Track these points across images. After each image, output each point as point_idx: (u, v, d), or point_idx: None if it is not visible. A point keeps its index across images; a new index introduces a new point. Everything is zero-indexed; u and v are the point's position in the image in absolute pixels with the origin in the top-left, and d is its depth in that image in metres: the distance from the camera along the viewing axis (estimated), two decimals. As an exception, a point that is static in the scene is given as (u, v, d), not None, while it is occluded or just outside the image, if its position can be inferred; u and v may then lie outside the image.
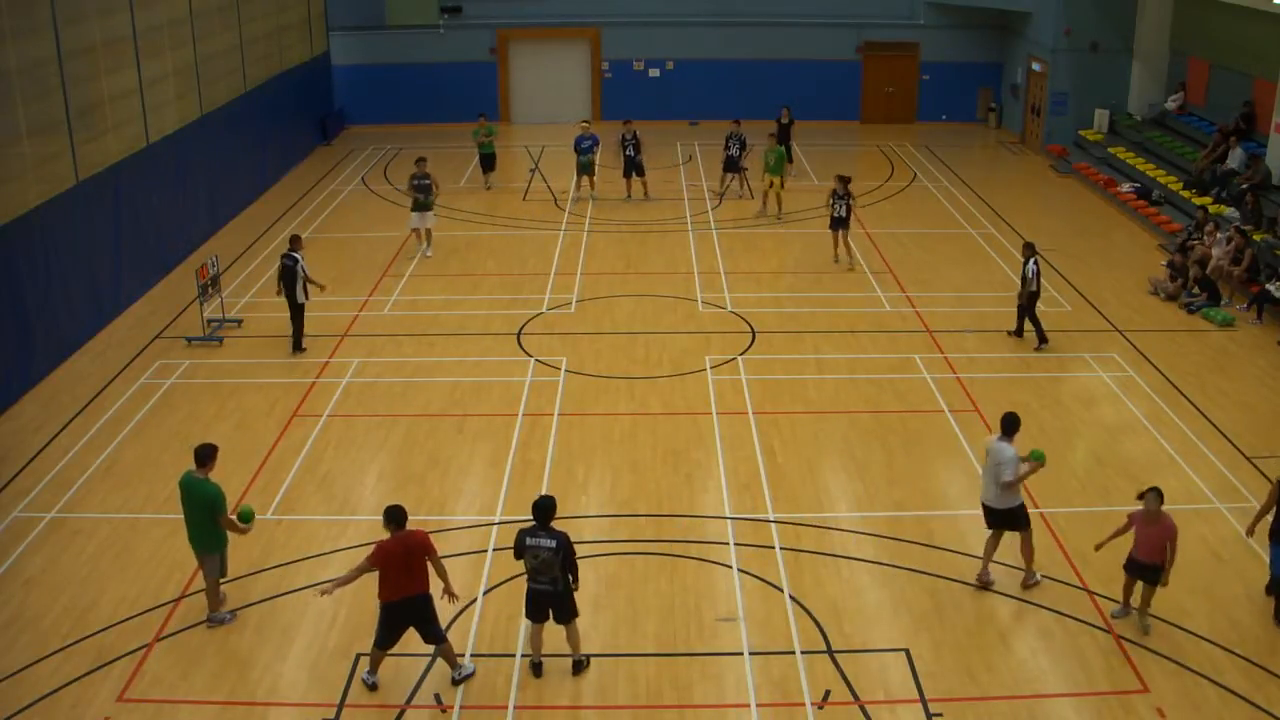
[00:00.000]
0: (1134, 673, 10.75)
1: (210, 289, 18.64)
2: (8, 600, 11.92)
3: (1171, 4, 28.96)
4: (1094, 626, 11.44)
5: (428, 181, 22.18)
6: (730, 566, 12.44)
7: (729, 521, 13.32)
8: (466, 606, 11.74)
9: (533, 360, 17.72)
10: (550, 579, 10.48)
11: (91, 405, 16.34)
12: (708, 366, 17.41)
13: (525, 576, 10.65)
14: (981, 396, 16.39)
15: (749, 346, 18.13)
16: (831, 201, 21.68)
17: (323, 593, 10.70)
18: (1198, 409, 16.13)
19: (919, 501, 13.80)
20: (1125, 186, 26.61)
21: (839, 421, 15.76)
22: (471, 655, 11.01)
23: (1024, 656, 11.00)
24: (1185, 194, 24.79)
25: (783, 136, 27.92)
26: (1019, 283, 18.39)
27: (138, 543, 12.94)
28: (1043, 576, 12.17)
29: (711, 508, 13.64)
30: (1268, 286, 19.49)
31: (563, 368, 17.44)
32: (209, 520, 11.18)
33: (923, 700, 10.41)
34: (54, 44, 17.67)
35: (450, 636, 11.16)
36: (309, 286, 17.84)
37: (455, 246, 23.34)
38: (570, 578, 10.57)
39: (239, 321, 19.26)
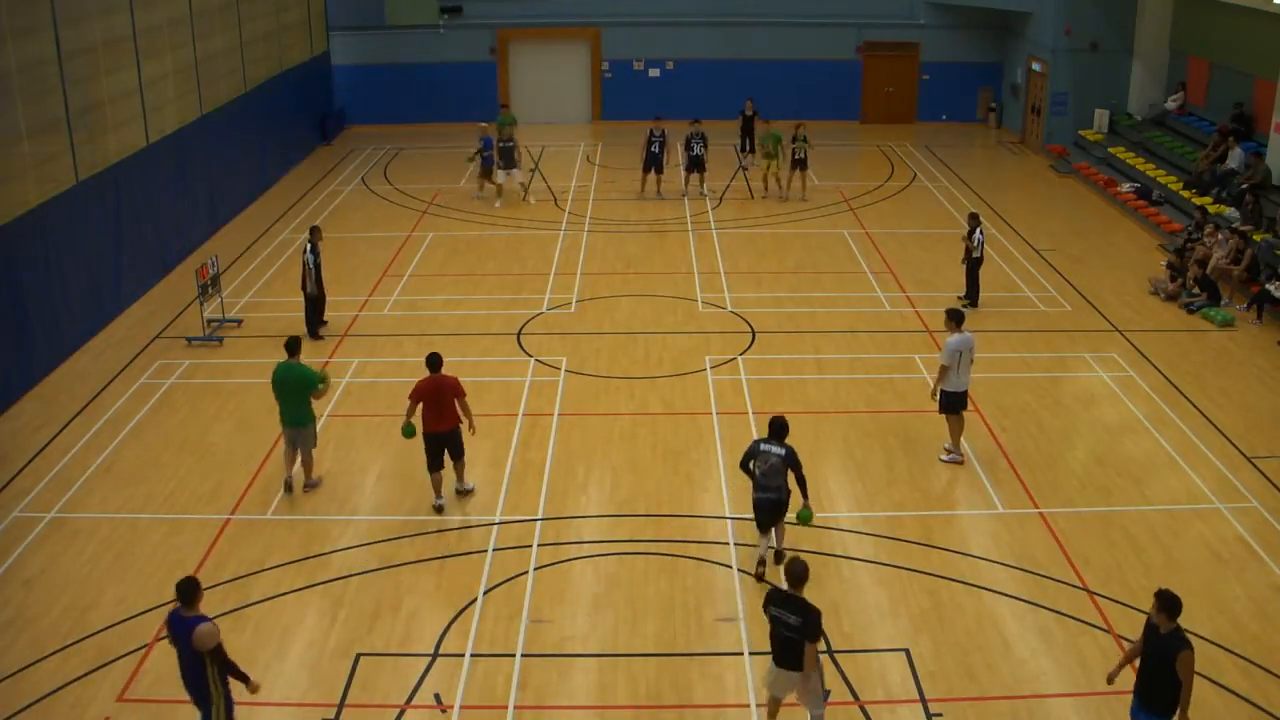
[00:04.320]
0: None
1: (210, 289, 18.65)
2: (8, 600, 11.93)
3: (1171, 4, 28.96)
4: (1094, 626, 11.44)
5: (510, 145, 25.63)
6: (730, 566, 12.44)
7: (729, 521, 13.32)
8: (467, 606, 11.74)
9: (533, 360, 17.72)
10: (775, 486, 11.94)
11: (91, 405, 16.35)
12: (708, 366, 17.41)
13: (751, 485, 12.11)
14: (981, 396, 16.37)
15: (749, 346, 18.13)
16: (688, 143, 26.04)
17: (406, 432, 13.27)
18: (1198, 409, 16.14)
19: (919, 501, 13.80)
20: (1125, 186, 26.61)
21: (839, 421, 15.77)
22: (471, 655, 11.02)
23: (1024, 656, 11.00)
24: (1185, 194, 24.78)
25: (746, 128, 27.96)
26: (963, 250, 19.71)
27: (138, 543, 12.94)
28: (1043, 575, 12.20)
29: (711, 508, 13.64)
30: (1268, 286, 19.49)
31: (563, 368, 17.44)
32: (304, 398, 13.49)
33: (923, 700, 10.41)
34: (54, 44, 17.67)
35: (451, 635, 11.22)
36: (310, 280, 18.35)
37: (455, 246, 23.36)
38: (801, 490, 11.90)
39: (239, 321, 19.26)
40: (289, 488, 13.86)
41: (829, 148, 31.36)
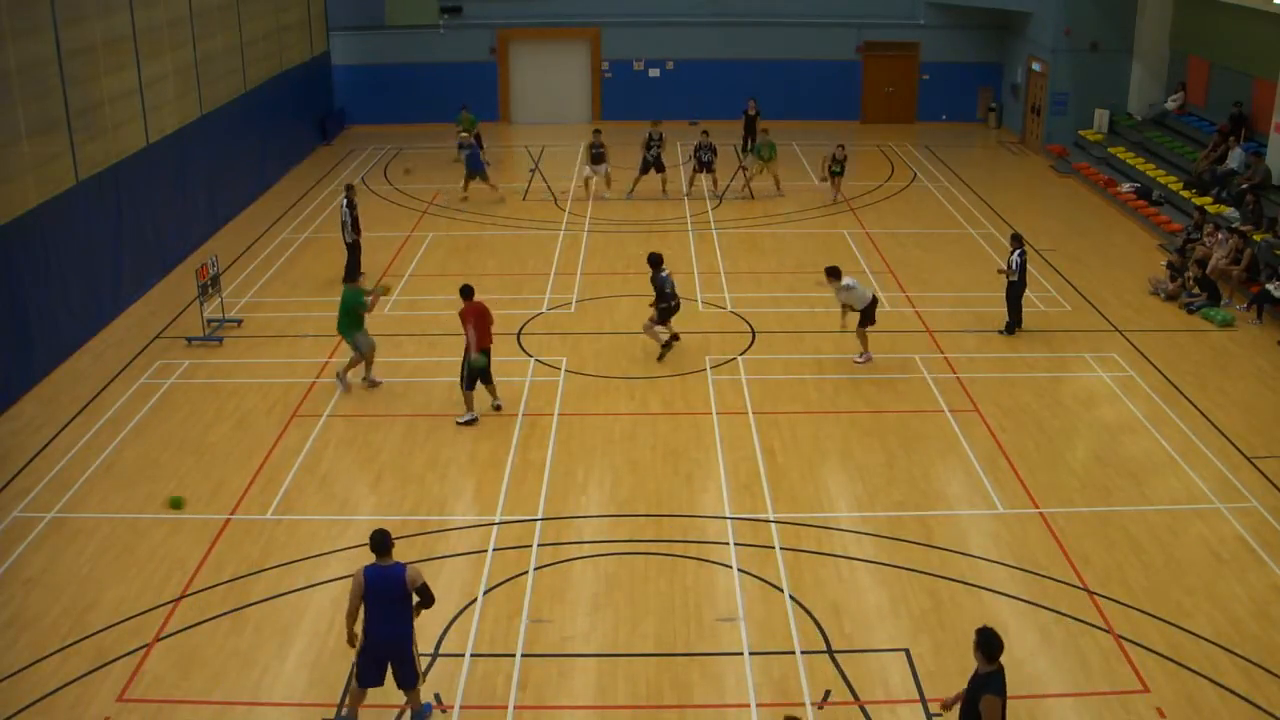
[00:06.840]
0: (1134, 673, 10.75)
1: (210, 289, 18.65)
2: (8, 600, 11.93)
3: (1171, 4, 28.97)
4: (1094, 626, 11.44)
5: (601, 150, 26.44)
6: (730, 566, 12.44)
7: (729, 521, 13.33)
8: (467, 606, 11.75)
9: (532, 360, 17.72)
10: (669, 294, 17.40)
11: (91, 405, 16.35)
12: (708, 366, 17.41)
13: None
14: (981, 396, 16.39)
15: (749, 346, 18.13)
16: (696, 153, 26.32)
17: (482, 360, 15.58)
18: (1198, 409, 16.13)
19: (919, 501, 13.80)
20: (1125, 186, 26.61)
21: (839, 421, 15.77)
22: (471, 655, 11.02)
23: (1024, 656, 10.99)
24: (1185, 194, 24.78)
25: (749, 129, 27.91)
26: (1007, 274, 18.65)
27: (138, 543, 12.94)
28: (1043, 575, 12.20)
29: (711, 508, 13.64)
30: (1268, 286, 19.49)
31: (563, 367, 17.44)
32: (352, 313, 16.14)
33: (923, 700, 10.41)
34: (54, 44, 17.67)
35: (451, 635, 11.25)
36: (348, 229, 20.59)
37: (455, 246, 23.36)
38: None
39: (239, 321, 19.26)
40: (372, 384, 16.67)
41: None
